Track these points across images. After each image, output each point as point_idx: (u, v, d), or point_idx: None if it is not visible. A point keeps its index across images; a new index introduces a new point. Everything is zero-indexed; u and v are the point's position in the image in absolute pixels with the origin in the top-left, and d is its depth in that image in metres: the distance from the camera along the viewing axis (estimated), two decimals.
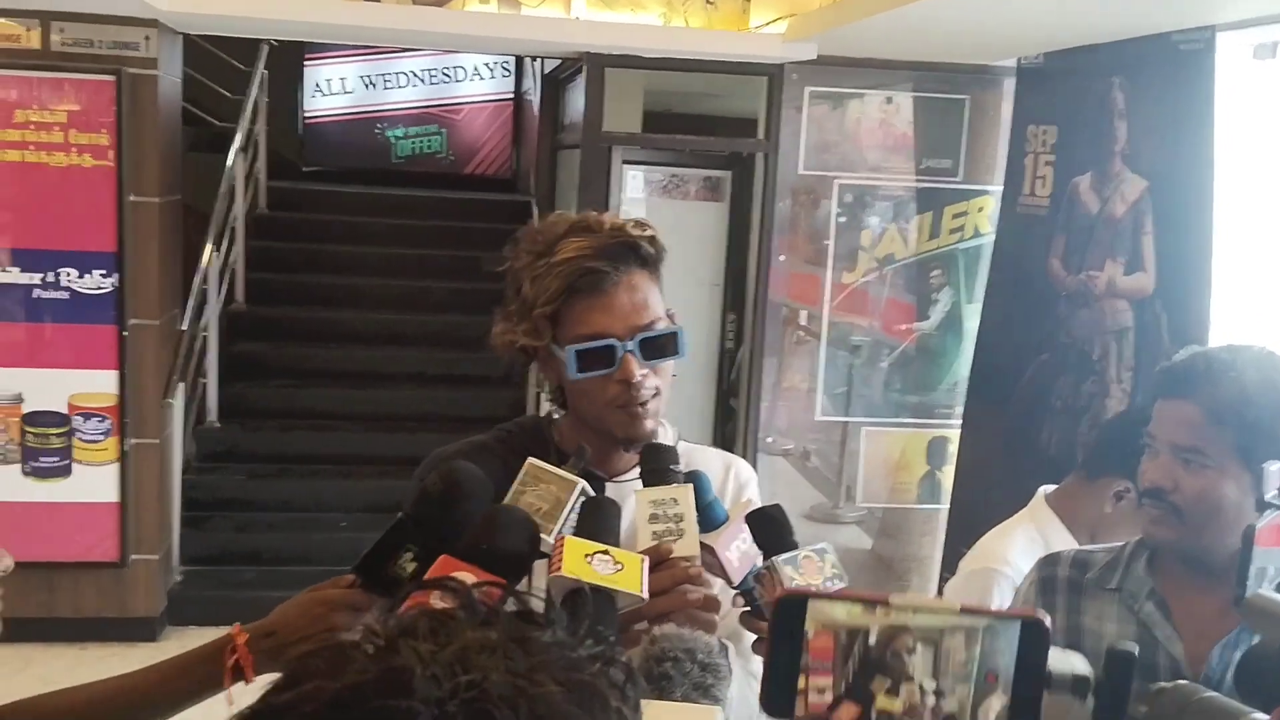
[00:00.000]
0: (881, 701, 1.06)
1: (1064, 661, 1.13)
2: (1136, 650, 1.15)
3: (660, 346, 1.53)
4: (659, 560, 1.29)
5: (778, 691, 1.08)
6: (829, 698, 1.07)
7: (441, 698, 0.56)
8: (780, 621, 1.08)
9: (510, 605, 0.70)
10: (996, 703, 1.07)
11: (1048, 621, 1.09)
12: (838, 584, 1.30)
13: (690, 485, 1.36)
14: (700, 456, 1.69)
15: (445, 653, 0.59)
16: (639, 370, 1.51)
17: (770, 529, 1.36)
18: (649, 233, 1.55)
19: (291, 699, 0.58)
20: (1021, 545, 2.17)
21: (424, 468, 1.61)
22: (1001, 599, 2.07)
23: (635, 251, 1.53)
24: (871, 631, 1.05)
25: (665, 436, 1.66)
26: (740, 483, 1.70)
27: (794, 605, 1.08)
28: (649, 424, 1.55)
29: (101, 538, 4.83)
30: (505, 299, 1.60)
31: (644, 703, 1.00)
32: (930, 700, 1.06)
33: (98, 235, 4.67)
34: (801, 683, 1.07)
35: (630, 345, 1.50)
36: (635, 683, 0.66)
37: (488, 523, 1.21)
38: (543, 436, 1.65)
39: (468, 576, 1.12)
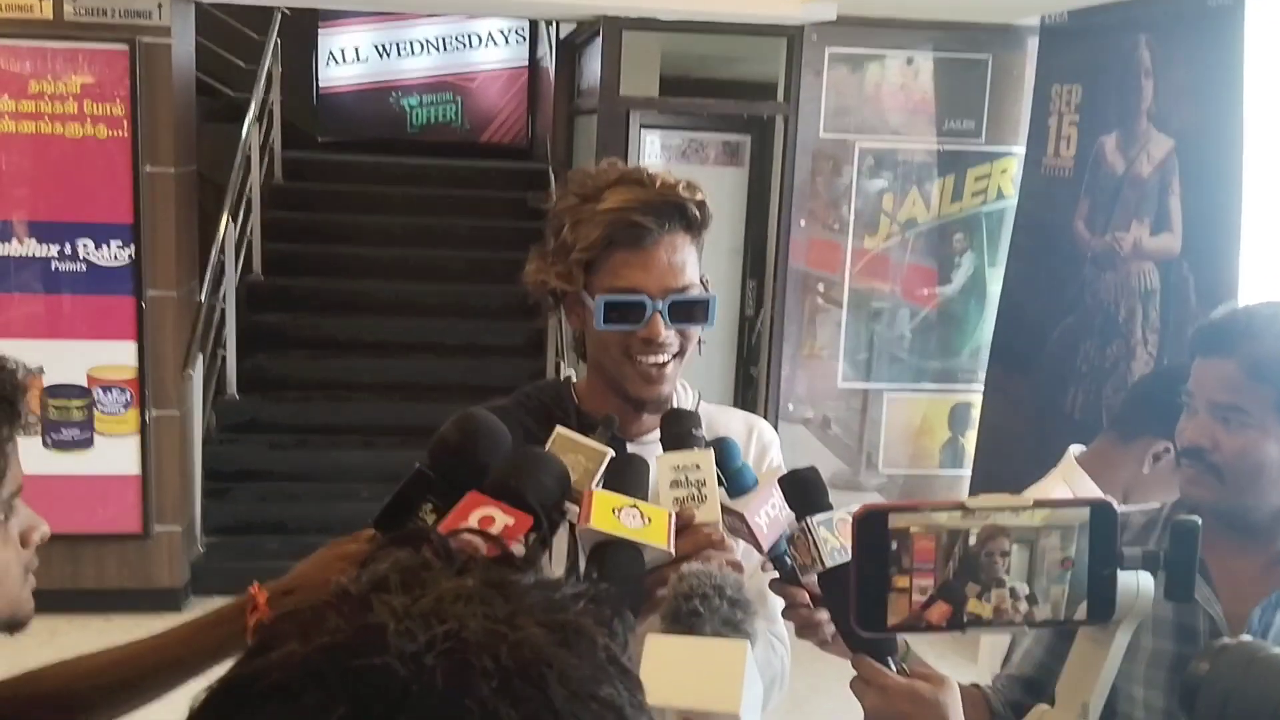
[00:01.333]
0: (973, 605, 1.08)
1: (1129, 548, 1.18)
2: (1200, 521, 1.15)
3: (689, 311, 1.52)
4: (681, 526, 1.27)
5: (868, 606, 1.10)
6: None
7: (418, 651, 0.54)
8: (863, 537, 1.09)
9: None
10: (1085, 608, 1.13)
11: (1115, 504, 1.11)
12: None
13: (711, 450, 1.34)
14: (723, 418, 1.68)
15: (419, 605, 0.57)
16: (664, 331, 1.50)
17: (804, 491, 1.34)
18: (698, 196, 1.53)
19: (263, 666, 0.56)
20: None
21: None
22: None
23: (681, 212, 1.51)
24: (971, 534, 1.07)
25: (686, 399, 1.65)
26: (763, 444, 1.68)
27: (875, 519, 1.09)
28: (664, 387, 1.54)
29: (124, 509, 4.85)
30: (544, 237, 1.59)
31: (675, 639, 1.02)
32: (1023, 606, 1.08)
33: (114, 207, 4.66)
34: (905, 582, 1.09)
35: (660, 305, 1.49)
36: (624, 619, 0.64)
37: (521, 462, 1.19)
38: (563, 399, 1.64)
39: (495, 513, 1.10)
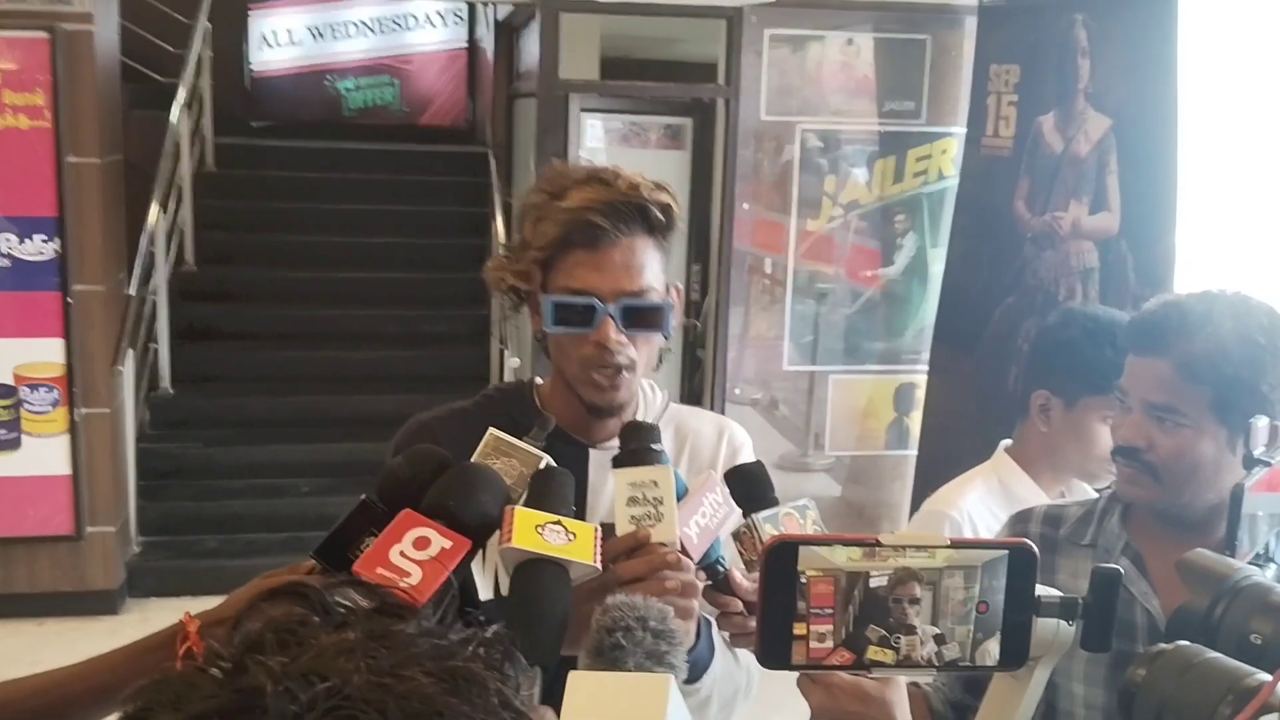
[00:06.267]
0: (873, 652, 1.05)
1: (1049, 589, 1.15)
2: (1122, 571, 1.13)
3: (643, 317, 1.47)
4: (636, 545, 1.25)
5: (773, 642, 1.05)
6: (830, 644, 1.06)
7: (298, 712, 0.52)
8: (771, 569, 1.05)
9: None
10: (993, 646, 1.09)
11: (1035, 549, 1.09)
12: None
13: (670, 467, 1.30)
14: (693, 421, 1.64)
15: (298, 664, 0.55)
16: (615, 336, 1.44)
17: (750, 485, 1.33)
18: (663, 199, 1.48)
19: None
20: (979, 492, 2.15)
21: (402, 434, 1.57)
22: None
23: (643, 215, 1.46)
24: (873, 576, 1.03)
25: (653, 401, 1.61)
26: (734, 448, 1.64)
27: (785, 552, 1.05)
28: (619, 395, 1.50)
29: (55, 511, 4.72)
30: (511, 233, 1.54)
31: (596, 675, 0.98)
32: (930, 647, 1.05)
33: (37, 199, 4.53)
34: (802, 629, 1.05)
35: (611, 309, 1.44)
36: (515, 660, 0.63)
37: (457, 480, 1.14)
38: (525, 401, 1.59)
39: (431, 534, 1.06)
